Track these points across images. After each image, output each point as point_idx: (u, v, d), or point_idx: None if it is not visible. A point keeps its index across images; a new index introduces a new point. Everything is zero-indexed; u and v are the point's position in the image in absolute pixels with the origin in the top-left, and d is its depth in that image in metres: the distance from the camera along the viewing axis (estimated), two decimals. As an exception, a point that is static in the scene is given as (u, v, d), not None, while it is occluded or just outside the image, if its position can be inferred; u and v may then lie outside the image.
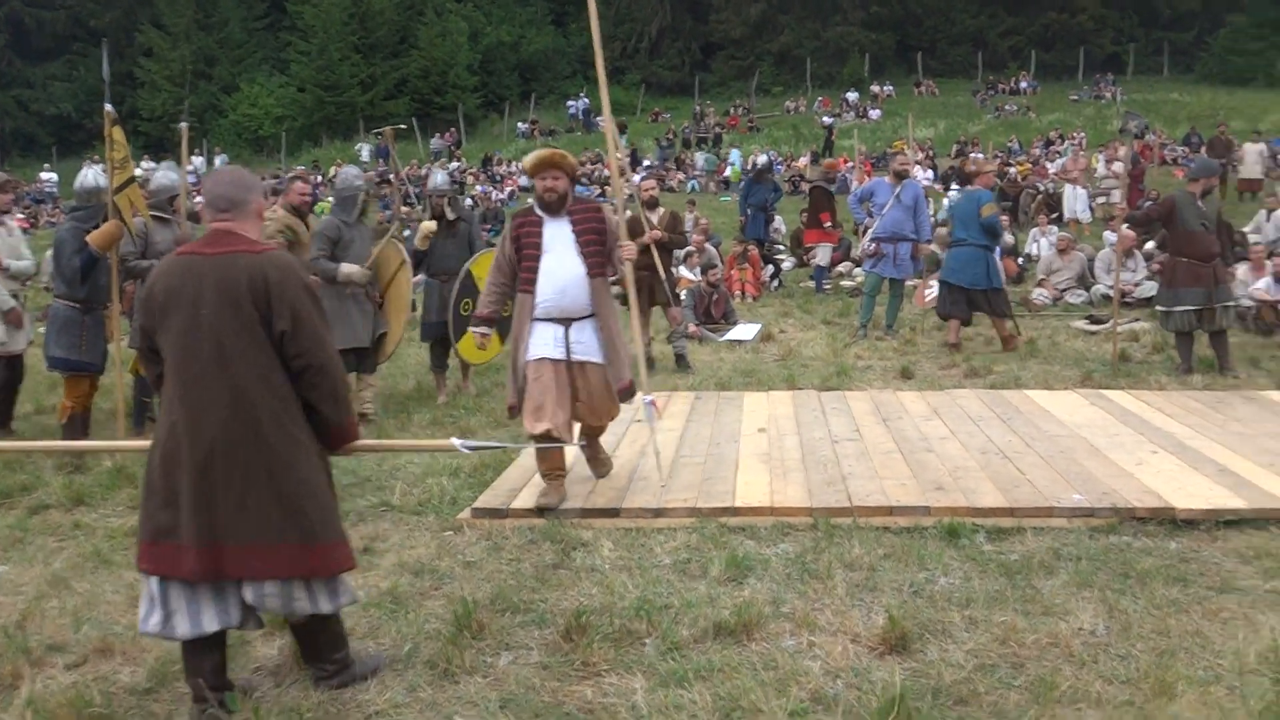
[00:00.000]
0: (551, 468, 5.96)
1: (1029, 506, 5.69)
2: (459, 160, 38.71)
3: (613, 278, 6.12)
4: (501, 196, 30.88)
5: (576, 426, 6.22)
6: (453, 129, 45.67)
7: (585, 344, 5.89)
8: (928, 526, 5.50)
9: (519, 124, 46.76)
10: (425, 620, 4.51)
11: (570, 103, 49.33)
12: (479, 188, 32.29)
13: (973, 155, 29.53)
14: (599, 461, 6.44)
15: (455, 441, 4.03)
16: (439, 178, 9.72)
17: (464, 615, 4.35)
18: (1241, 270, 12.51)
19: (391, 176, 26.88)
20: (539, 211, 5.96)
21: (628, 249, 6.07)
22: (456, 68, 49.76)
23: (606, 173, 32.33)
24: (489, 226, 22.49)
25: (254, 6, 54.36)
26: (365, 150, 40.96)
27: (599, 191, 30.27)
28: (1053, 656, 4.05)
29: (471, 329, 6.38)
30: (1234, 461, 6.39)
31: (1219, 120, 31.50)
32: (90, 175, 7.98)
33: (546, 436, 5.68)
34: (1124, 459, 6.52)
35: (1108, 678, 3.88)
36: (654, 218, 10.01)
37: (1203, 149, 26.98)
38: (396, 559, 5.31)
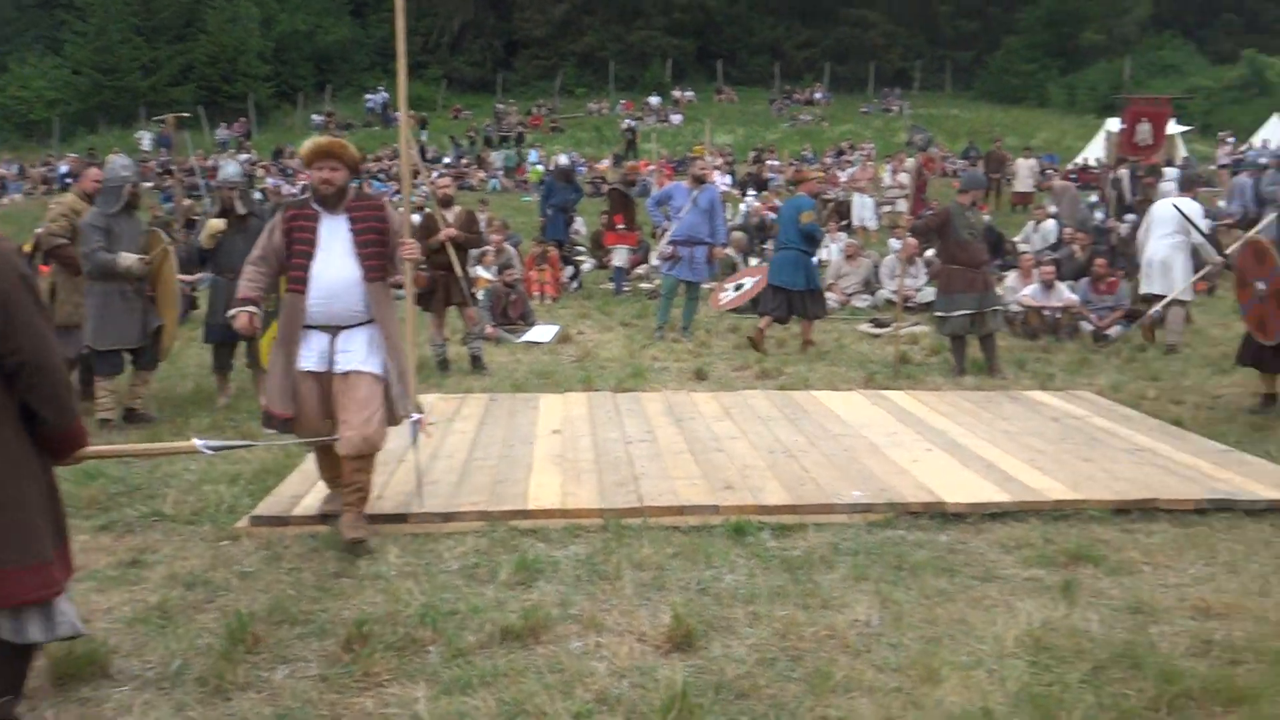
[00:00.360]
0: (335, 475, 5.61)
1: (812, 503, 5.90)
2: (249, 152, 37.36)
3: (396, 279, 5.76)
4: (294, 190, 29.94)
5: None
6: (243, 118, 44.04)
7: (353, 353, 5.36)
8: (716, 525, 5.63)
9: (314, 116, 45.39)
10: (196, 635, 4.33)
11: (369, 96, 48.28)
12: (270, 181, 31.22)
13: (820, 163, 30.38)
14: (355, 505, 5.39)
15: (197, 443, 3.86)
16: (230, 169, 9.35)
17: (238, 628, 4.21)
18: (1011, 278, 13.26)
19: (174, 167, 25.76)
20: (315, 205, 5.48)
21: (408, 247, 5.65)
22: (247, 55, 47.87)
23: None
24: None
25: (26, -18, 51.16)
26: (146, 139, 38.97)
27: (397, 189, 29.75)
28: (830, 648, 4.21)
29: (232, 311, 5.57)
30: (1000, 458, 6.78)
31: (995, 136, 33.34)
32: None
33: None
34: (901, 456, 6.82)
35: (879, 666, 4.06)
36: (449, 216, 9.90)
37: (979, 163, 28.46)
38: (167, 571, 5.07)
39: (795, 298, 11.30)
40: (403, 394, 5.52)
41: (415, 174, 30.26)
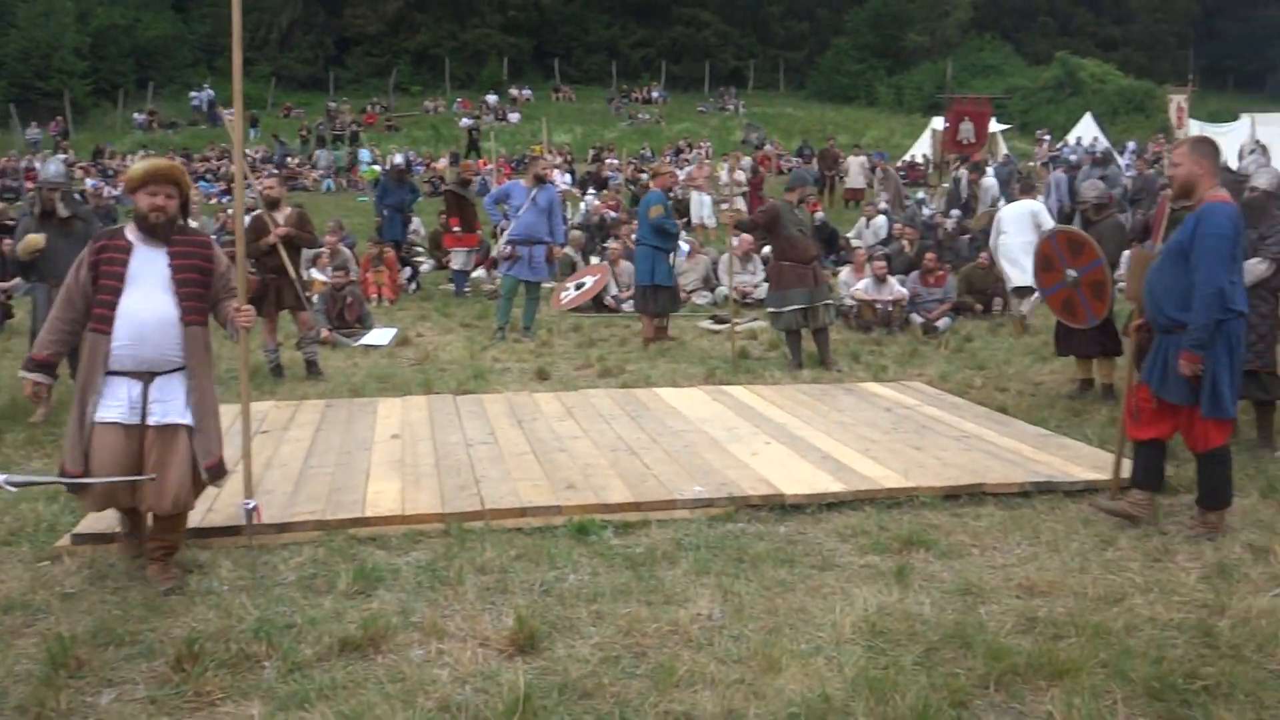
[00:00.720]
0: (138, 526, 5.07)
1: (654, 500, 5.93)
2: (66, 152, 35.64)
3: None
4: (114, 192, 28.68)
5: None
6: (59, 117, 42.01)
7: (171, 403, 4.74)
8: (559, 525, 5.61)
9: (135, 114, 43.64)
10: (15, 661, 4.09)
11: (194, 94, 46.60)
12: (89, 182, 29.84)
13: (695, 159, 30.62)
14: (165, 566, 4.89)
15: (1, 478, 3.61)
16: (52, 168, 8.81)
17: (59, 652, 3.99)
18: (844, 272, 13.62)
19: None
20: (129, 236, 4.81)
21: (246, 315, 5.03)
22: (62, 50, 45.53)
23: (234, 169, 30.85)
24: (100, 225, 20.86)
25: None
26: (-50, 138, 36.92)
27: (224, 188, 28.89)
28: (673, 643, 4.23)
29: (22, 373, 4.97)
30: (836, 449, 6.94)
31: (829, 135, 34.25)
32: None
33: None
34: (741, 450, 6.92)
35: (722, 658, 4.10)
36: (279, 217, 9.63)
37: (814, 160, 29.19)
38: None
39: (642, 292, 11.42)
40: (204, 449, 4.84)
41: (246, 176, 29.48)
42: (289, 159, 34.84)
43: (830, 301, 10.19)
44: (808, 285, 9.95)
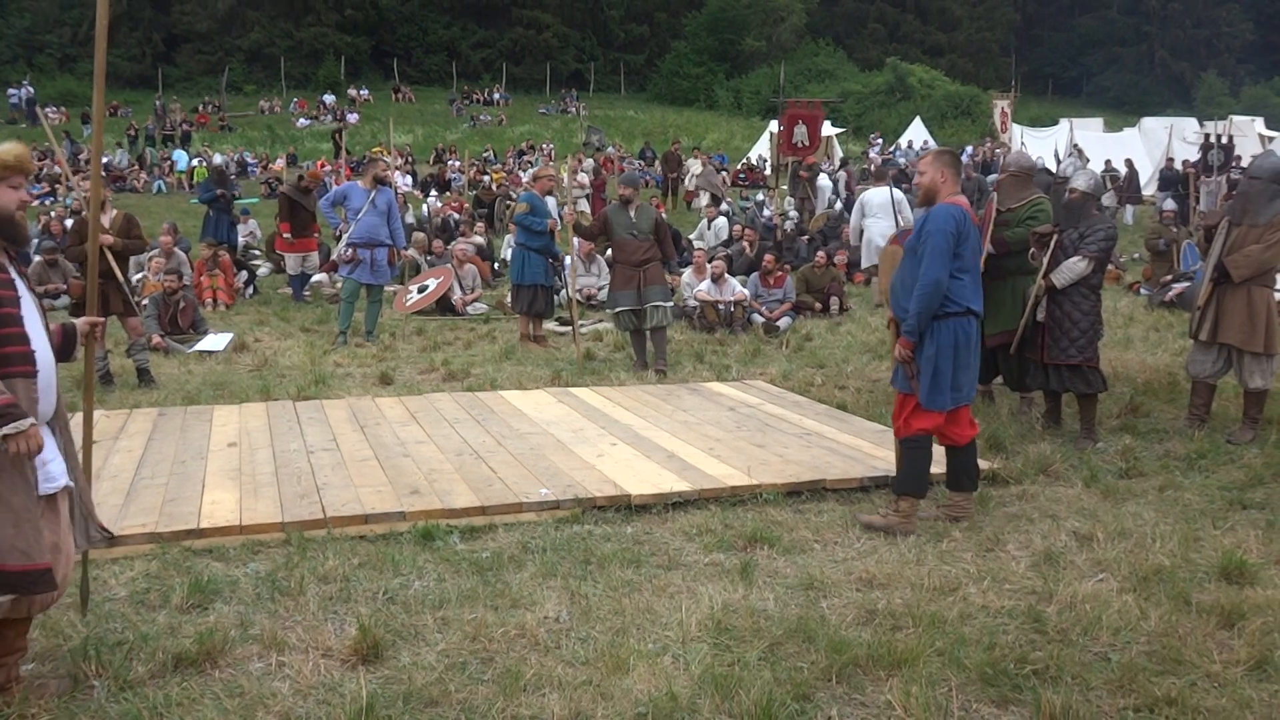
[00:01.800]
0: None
1: (500, 504, 5.89)
2: None
3: None
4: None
5: None
6: None
7: (71, 459, 3.94)
8: (403, 532, 5.53)
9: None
10: None
11: (11, 91, 44.37)
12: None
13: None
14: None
15: None
16: None
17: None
18: (686, 273, 13.77)
19: None
20: None
21: (99, 328, 4.38)
22: None
23: (59, 170, 29.48)
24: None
25: None
26: None
27: (48, 190, 27.57)
28: (520, 647, 4.21)
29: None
30: (681, 448, 7.02)
31: (673, 138, 34.61)
32: None
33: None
34: (587, 452, 6.94)
35: (569, 660, 4.10)
36: (105, 221, 9.23)
37: (656, 162, 29.45)
38: None
39: (514, 291, 11.47)
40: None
41: (67, 177, 28.13)
42: (114, 160, 33.40)
43: (661, 303, 10.04)
44: (634, 287, 10.00)
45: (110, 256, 8.96)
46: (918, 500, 5.69)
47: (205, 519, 5.58)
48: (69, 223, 17.52)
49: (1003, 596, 4.73)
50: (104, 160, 31.36)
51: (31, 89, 44.36)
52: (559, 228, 11.29)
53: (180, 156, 34.85)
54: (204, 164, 31.66)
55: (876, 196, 13.98)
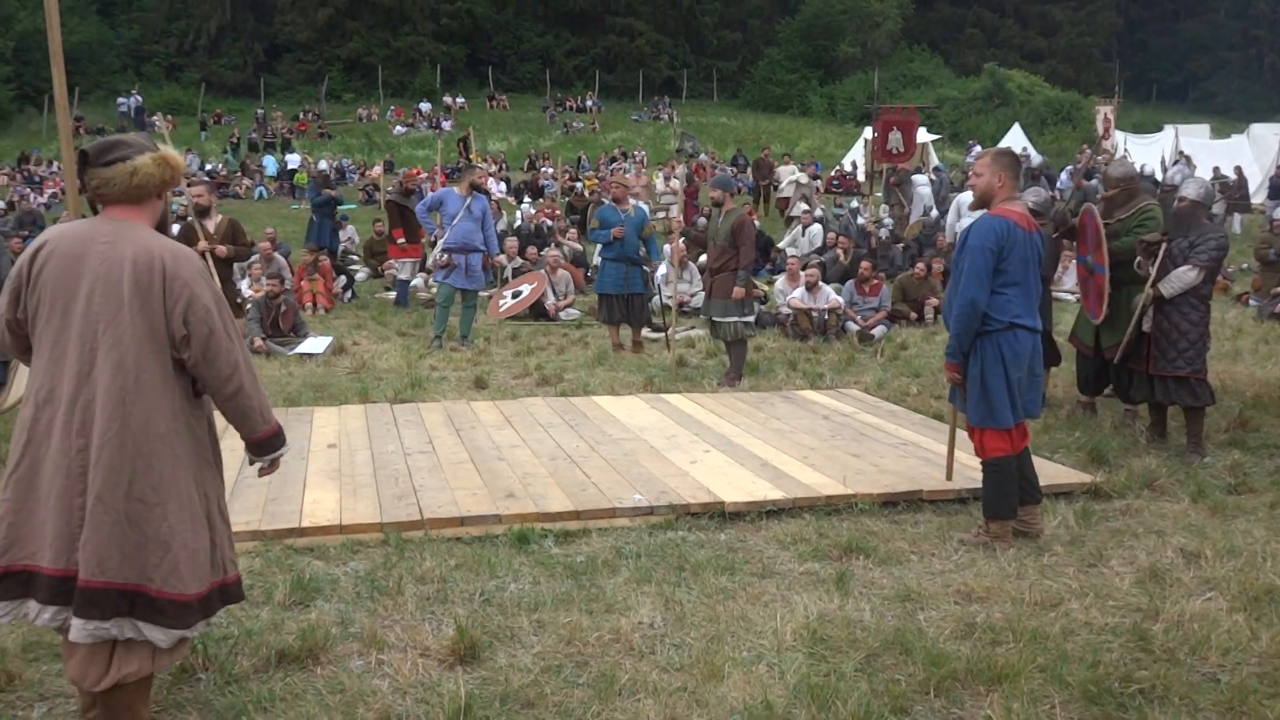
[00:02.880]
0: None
1: (594, 509, 5.92)
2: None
3: None
4: (42, 200, 28.13)
5: None
6: (-18, 124, 41.15)
7: None
8: (499, 534, 5.57)
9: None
10: (-56, 676, 3.99)
11: (121, 99, 45.89)
12: (15, 190, 29.25)
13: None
14: None
15: None
16: None
17: (-11, 666, 3.90)
18: (779, 281, 13.71)
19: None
20: None
21: None
22: (-17, 57, 44.75)
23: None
24: (26, 233, 20.40)
25: None
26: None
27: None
28: (614, 651, 4.22)
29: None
30: (774, 456, 6.98)
31: (763, 144, 34.47)
32: None
33: None
34: (680, 458, 6.93)
35: (664, 666, 4.09)
36: (210, 225, 9.49)
37: (748, 170, 29.34)
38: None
39: (624, 301, 11.44)
40: None
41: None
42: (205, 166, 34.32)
43: (720, 319, 9.81)
44: (708, 295, 10.01)
45: (211, 261, 9.20)
46: (1008, 522, 5.58)
47: (307, 518, 5.69)
48: (175, 228, 18.07)
49: (1106, 613, 4.62)
50: (207, 166, 32.30)
51: (140, 98, 45.85)
52: (624, 234, 11.19)
53: (269, 162, 35.67)
54: (306, 169, 32.39)
55: (967, 197, 13.82)
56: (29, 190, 29.16)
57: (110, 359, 3.17)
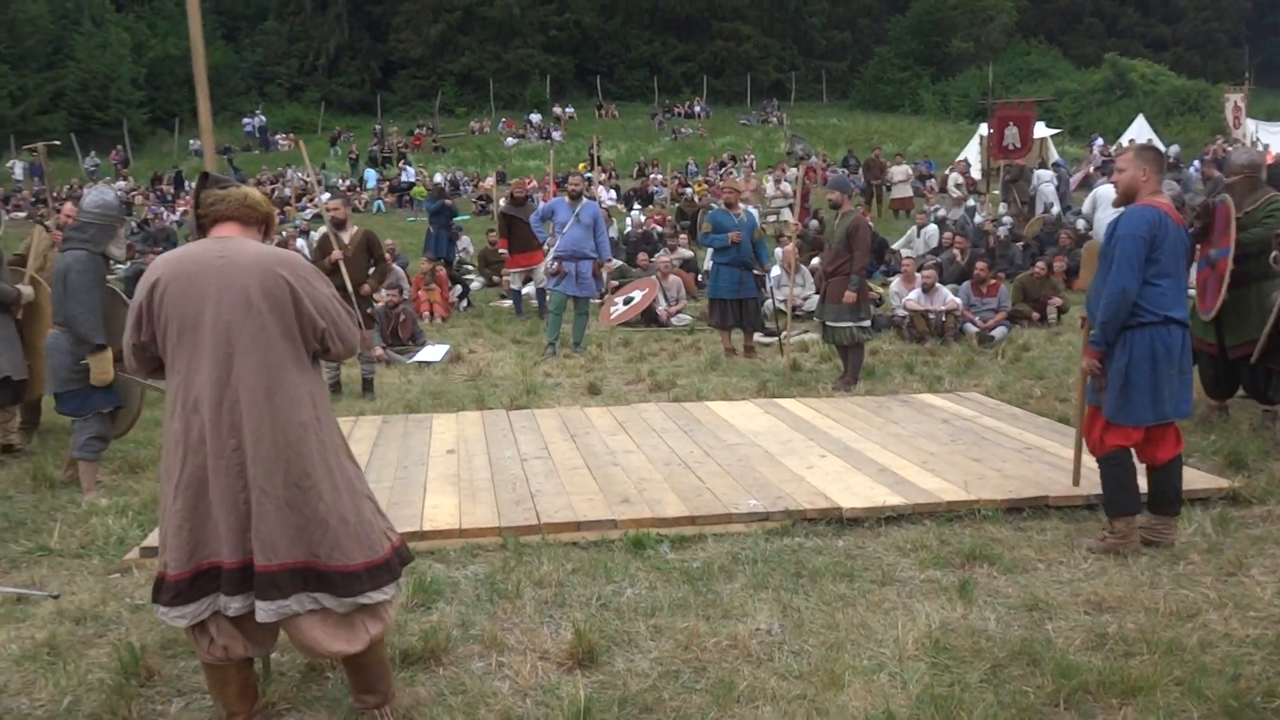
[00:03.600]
0: None
1: (709, 514, 5.88)
2: (126, 179, 36.32)
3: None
4: (174, 218, 29.20)
5: None
6: (119, 146, 42.84)
7: None
8: (614, 539, 5.58)
9: (191, 141, 44.50)
10: (87, 671, 4.17)
11: (246, 120, 47.51)
12: (150, 209, 30.43)
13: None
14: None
15: None
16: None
17: (130, 662, 4.06)
18: (895, 283, 13.50)
19: (47, 196, 24.88)
20: None
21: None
22: (119, 81, 46.67)
23: (288, 192, 31.27)
24: (159, 249, 21.18)
25: (-118, 9, 48.85)
26: (18, 168, 37.77)
27: (280, 214, 29.28)
28: (732, 658, 4.18)
29: None
30: (893, 461, 6.86)
31: (874, 144, 34.03)
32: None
33: None
34: (796, 464, 6.86)
35: (782, 674, 4.04)
36: (345, 237, 9.76)
37: (859, 170, 28.99)
38: (55, 607, 4.88)
39: (738, 306, 11.38)
40: None
41: (300, 196, 29.76)
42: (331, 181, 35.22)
43: (832, 323, 9.72)
44: (823, 299, 9.89)
45: (345, 272, 9.43)
46: (1133, 517, 5.38)
47: (428, 522, 5.78)
48: (299, 243, 18.58)
49: (1247, 624, 4.41)
50: (344, 183, 33.18)
51: (264, 117, 47.37)
52: (741, 239, 11.11)
53: (370, 175, 36.48)
54: (422, 182, 33.05)
55: (1109, 190, 13.40)
56: (162, 209, 30.28)
57: (249, 361, 3.38)
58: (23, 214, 28.92)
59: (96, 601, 4.93)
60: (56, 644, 4.44)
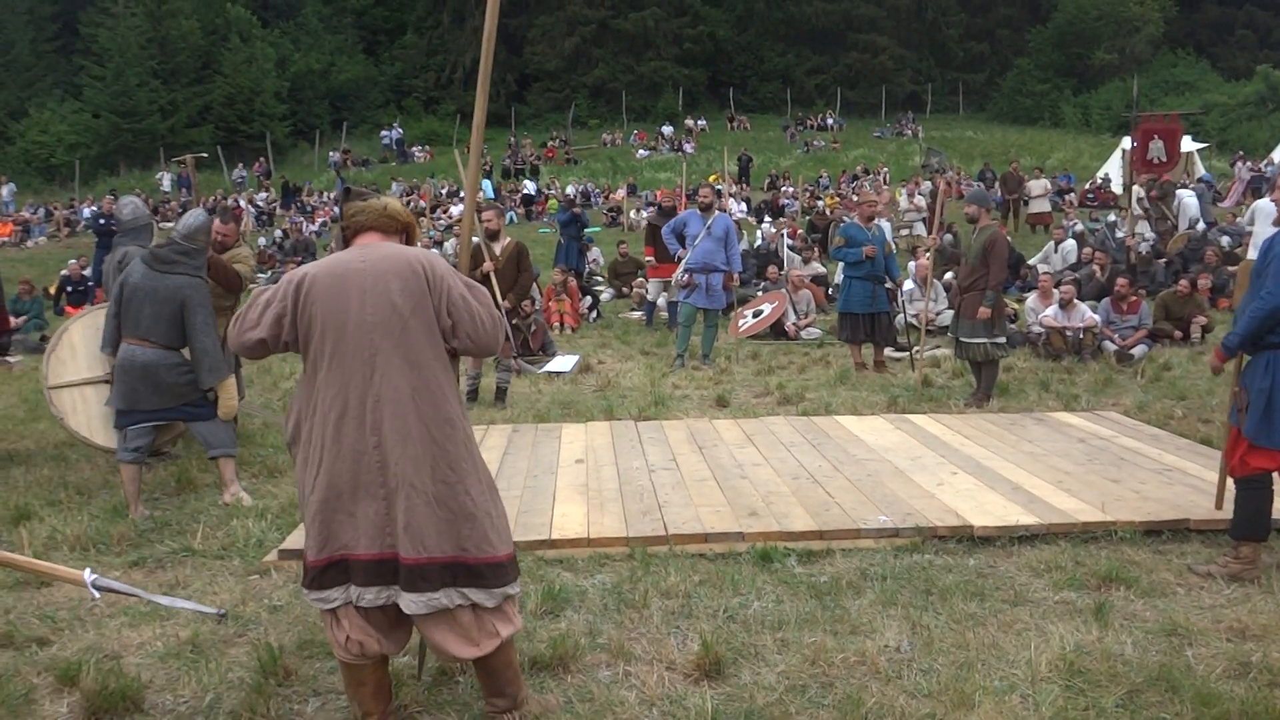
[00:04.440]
0: None
1: (838, 529, 5.86)
2: (268, 190, 37.71)
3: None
4: (313, 228, 30.20)
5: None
6: (262, 158, 44.50)
7: None
8: (742, 552, 5.60)
9: (330, 153, 45.96)
10: (228, 669, 4.34)
11: (384, 133, 48.84)
12: (290, 219, 31.54)
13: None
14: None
15: (88, 575, 3.80)
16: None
17: (269, 662, 4.22)
18: (1031, 299, 13.21)
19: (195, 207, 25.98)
20: None
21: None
22: (264, 95, 48.46)
23: (423, 204, 32.01)
24: (299, 258, 21.94)
25: (44, 28, 51.50)
26: (166, 179, 39.46)
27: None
28: (860, 674, 4.17)
29: None
30: (1026, 480, 6.73)
31: (1011, 158, 33.28)
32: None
33: None
34: (926, 480, 6.78)
35: (911, 692, 4.01)
36: (496, 249, 10.02)
37: (995, 184, 28.38)
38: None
39: (870, 320, 11.31)
40: None
41: (433, 209, 30.48)
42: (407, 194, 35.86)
43: (967, 339, 9.56)
44: (958, 314, 9.74)
45: (494, 283, 9.67)
46: (1260, 545, 5.19)
47: (556, 530, 5.89)
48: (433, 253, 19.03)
49: (1405, 658, 4.22)
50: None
51: (400, 130, 48.64)
52: (875, 253, 10.99)
53: (486, 185, 37.06)
54: (554, 195, 33.56)
55: (1270, 206, 12.92)
56: (302, 219, 31.34)
57: (394, 361, 3.50)
58: (170, 224, 30.25)
59: (237, 601, 5.13)
60: (199, 643, 4.63)
